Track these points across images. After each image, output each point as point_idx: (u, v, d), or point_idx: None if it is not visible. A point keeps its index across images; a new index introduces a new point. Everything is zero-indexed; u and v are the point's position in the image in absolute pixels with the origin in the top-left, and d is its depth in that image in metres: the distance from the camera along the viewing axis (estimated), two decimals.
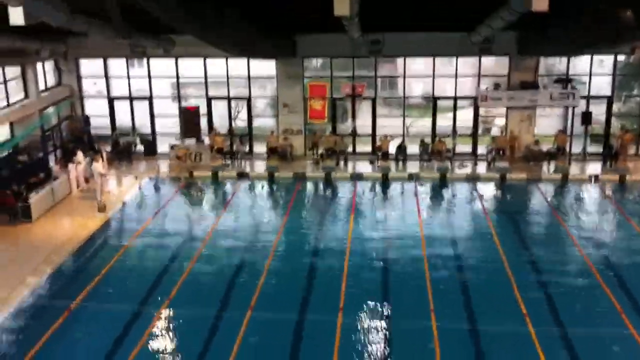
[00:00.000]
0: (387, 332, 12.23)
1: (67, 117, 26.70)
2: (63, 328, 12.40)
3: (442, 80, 26.27)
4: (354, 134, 26.81)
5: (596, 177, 23.28)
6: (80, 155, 22.44)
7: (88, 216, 19.13)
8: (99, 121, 27.34)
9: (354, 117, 26.38)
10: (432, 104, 26.54)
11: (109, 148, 25.88)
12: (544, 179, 23.22)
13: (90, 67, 27.22)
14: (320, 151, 25.66)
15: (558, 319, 12.63)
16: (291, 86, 26.26)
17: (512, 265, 15.00)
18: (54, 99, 25.85)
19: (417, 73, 26.89)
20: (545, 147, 25.31)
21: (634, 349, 11.33)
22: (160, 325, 12.56)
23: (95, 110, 27.47)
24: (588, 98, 25.66)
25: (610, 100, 25.99)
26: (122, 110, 27.51)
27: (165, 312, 13.01)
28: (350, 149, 26.58)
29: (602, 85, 26.18)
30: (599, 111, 25.90)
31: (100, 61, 26.86)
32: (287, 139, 26.13)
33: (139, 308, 13.22)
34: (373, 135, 26.85)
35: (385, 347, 11.73)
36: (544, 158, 24.97)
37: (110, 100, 27.41)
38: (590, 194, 22.24)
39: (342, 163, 25.22)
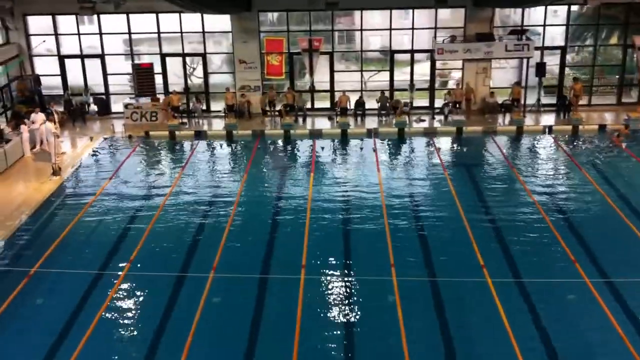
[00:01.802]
0: (349, 287, 12.45)
1: (16, 76, 25.79)
2: (23, 294, 12.26)
3: (399, 34, 26.15)
4: (312, 89, 26.60)
5: (550, 128, 23.74)
6: (41, 115, 21.81)
7: (42, 179, 18.74)
8: (50, 80, 26.50)
9: (311, 72, 26.09)
10: (389, 57, 26.47)
11: (61, 108, 25.22)
12: (499, 131, 23.57)
13: (38, 24, 26.23)
14: (278, 108, 25.46)
15: (515, 270, 13.03)
16: (247, 41, 25.82)
17: (469, 218, 15.27)
18: (2, 58, 24.86)
19: (374, 26, 26.62)
20: (500, 99, 25.62)
21: (588, 296, 11.74)
22: (122, 288, 12.53)
23: (46, 69, 26.56)
24: (542, 49, 25.88)
25: (563, 51, 26.32)
26: (73, 68, 26.71)
27: (127, 275, 12.94)
28: (308, 105, 26.46)
29: (555, 36, 26.47)
30: (553, 62, 26.25)
31: (49, 18, 25.87)
32: (244, 95, 25.82)
33: (100, 271, 13.14)
34: (331, 90, 26.72)
35: (347, 302, 11.95)
36: (499, 110, 25.32)
37: (61, 59, 26.54)
38: (544, 144, 22.69)
39: (300, 120, 25.13)
